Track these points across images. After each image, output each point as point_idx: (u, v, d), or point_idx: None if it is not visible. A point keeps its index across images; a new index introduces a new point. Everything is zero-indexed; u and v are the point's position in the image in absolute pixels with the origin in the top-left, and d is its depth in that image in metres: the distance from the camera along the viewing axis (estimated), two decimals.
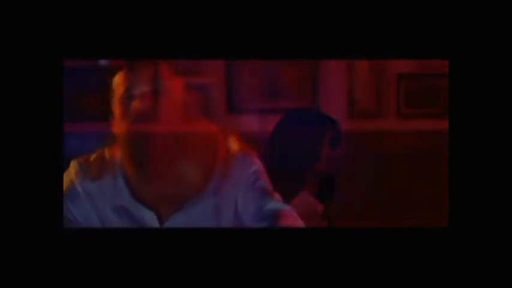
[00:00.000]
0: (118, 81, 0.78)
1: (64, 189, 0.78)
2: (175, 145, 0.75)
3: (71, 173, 0.81)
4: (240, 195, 0.81)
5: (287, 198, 0.88)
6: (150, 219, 0.78)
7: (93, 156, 0.83)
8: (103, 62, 1.80)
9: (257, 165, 0.83)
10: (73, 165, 0.82)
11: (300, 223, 0.77)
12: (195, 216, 0.78)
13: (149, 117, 0.73)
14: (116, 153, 0.81)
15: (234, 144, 0.85)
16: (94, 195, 0.79)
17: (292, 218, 0.77)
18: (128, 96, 0.75)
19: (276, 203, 0.80)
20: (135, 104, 0.73)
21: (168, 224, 0.77)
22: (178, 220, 0.78)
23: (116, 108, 0.78)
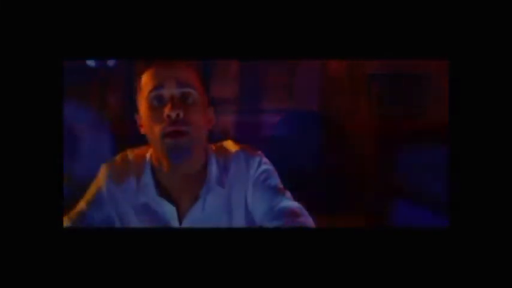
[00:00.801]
0: (145, 80, 0.78)
1: (91, 195, 0.82)
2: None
3: (100, 178, 0.83)
4: (249, 194, 0.82)
5: None
6: (171, 214, 0.79)
7: (117, 159, 0.85)
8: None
9: (267, 164, 0.85)
10: (102, 170, 0.84)
11: (310, 221, 0.77)
12: (209, 208, 0.80)
13: (181, 123, 0.74)
14: (142, 152, 0.85)
15: (233, 144, 0.88)
16: (118, 198, 0.81)
17: (304, 216, 0.78)
18: (155, 96, 0.75)
19: (288, 201, 0.81)
20: (167, 109, 0.74)
21: (187, 220, 0.79)
22: (195, 215, 0.79)
23: (143, 108, 0.78)
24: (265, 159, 0.86)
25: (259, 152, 0.86)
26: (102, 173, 0.84)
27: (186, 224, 0.79)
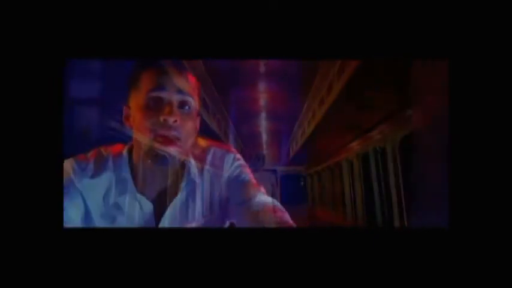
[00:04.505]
0: (146, 77, 0.76)
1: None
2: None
3: (67, 172, 0.80)
4: (223, 187, 0.85)
5: None
6: (149, 210, 0.80)
7: (89, 155, 0.84)
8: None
9: (240, 160, 0.88)
10: (69, 164, 0.81)
11: (287, 217, 0.78)
12: (189, 201, 0.82)
13: (174, 129, 0.74)
14: (117, 148, 0.84)
15: (205, 140, 0.89)
16: (92, 192, 0.80)
17: (280, 212, 0.79)
18: (154, 97, 0.75)
19: (264, 196, 0.82)
20: (165, 113, 0.74)
21: (167, 214, 0.80)
22: (176, 208, 0.81)
23: (138, 104, 0.77)
24: (238, 156, 0.88)
25: (233, 149, 0.89)
26: (70, 167, 0.79)
27: (166, 218, 0.80)
